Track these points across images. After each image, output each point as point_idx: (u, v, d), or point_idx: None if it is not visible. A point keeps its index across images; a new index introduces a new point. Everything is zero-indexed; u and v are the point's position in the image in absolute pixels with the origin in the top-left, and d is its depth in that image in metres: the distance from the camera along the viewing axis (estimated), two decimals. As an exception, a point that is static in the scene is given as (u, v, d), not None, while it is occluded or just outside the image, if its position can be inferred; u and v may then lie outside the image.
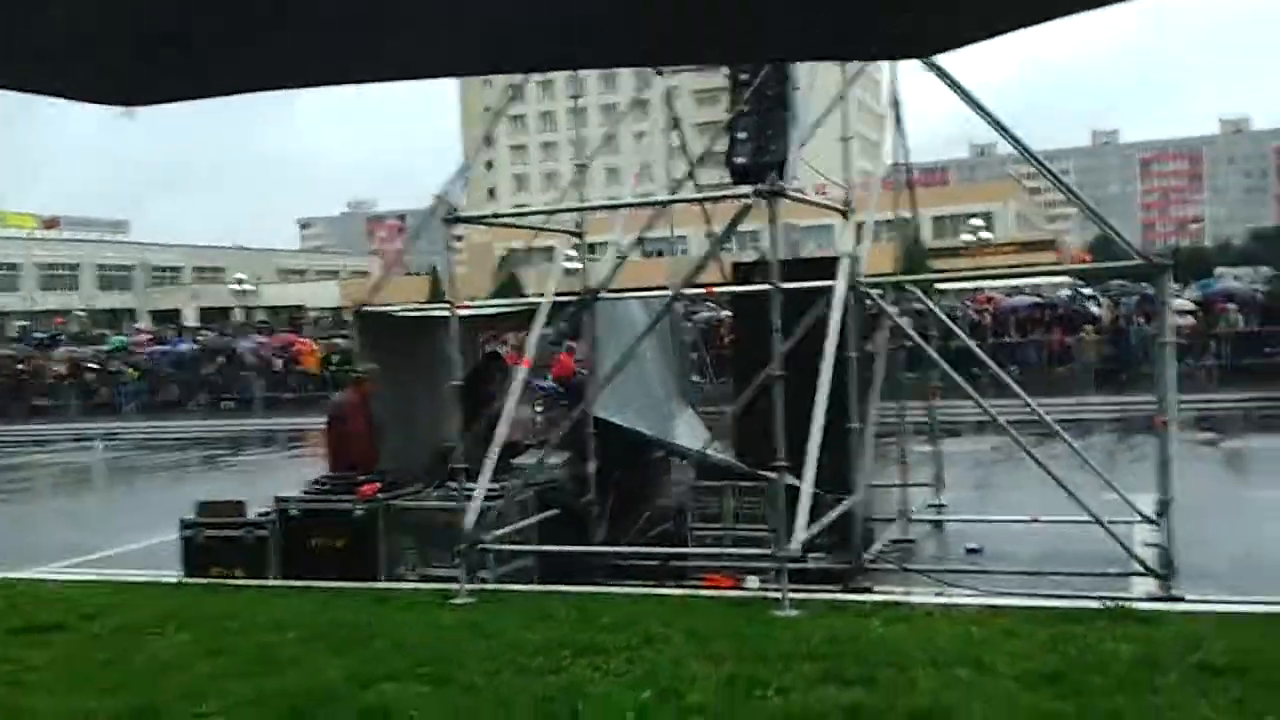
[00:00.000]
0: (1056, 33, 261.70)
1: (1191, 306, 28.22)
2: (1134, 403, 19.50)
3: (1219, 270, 57.60)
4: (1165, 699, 5.23)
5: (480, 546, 8.51)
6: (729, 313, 17.39)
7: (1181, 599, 7.62)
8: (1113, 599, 7.34)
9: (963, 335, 11.45)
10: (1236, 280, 42.44)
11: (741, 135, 8.76)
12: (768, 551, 7.99)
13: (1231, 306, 28.66)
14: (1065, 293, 34.62)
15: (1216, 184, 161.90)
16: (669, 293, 9.68)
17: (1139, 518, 9.10)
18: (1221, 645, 5.96)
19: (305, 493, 9.51)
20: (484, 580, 8.56)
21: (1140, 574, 8.22)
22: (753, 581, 8.39)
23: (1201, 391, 22.87)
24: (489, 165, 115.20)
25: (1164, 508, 8.37)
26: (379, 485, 9.14)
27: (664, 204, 10.20)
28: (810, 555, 8.52)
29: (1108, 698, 5.29)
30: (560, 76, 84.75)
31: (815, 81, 8.74)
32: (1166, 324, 9.07)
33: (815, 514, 8.10)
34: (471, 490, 8.53)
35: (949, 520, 10.92)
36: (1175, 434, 8.64)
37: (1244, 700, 5.18)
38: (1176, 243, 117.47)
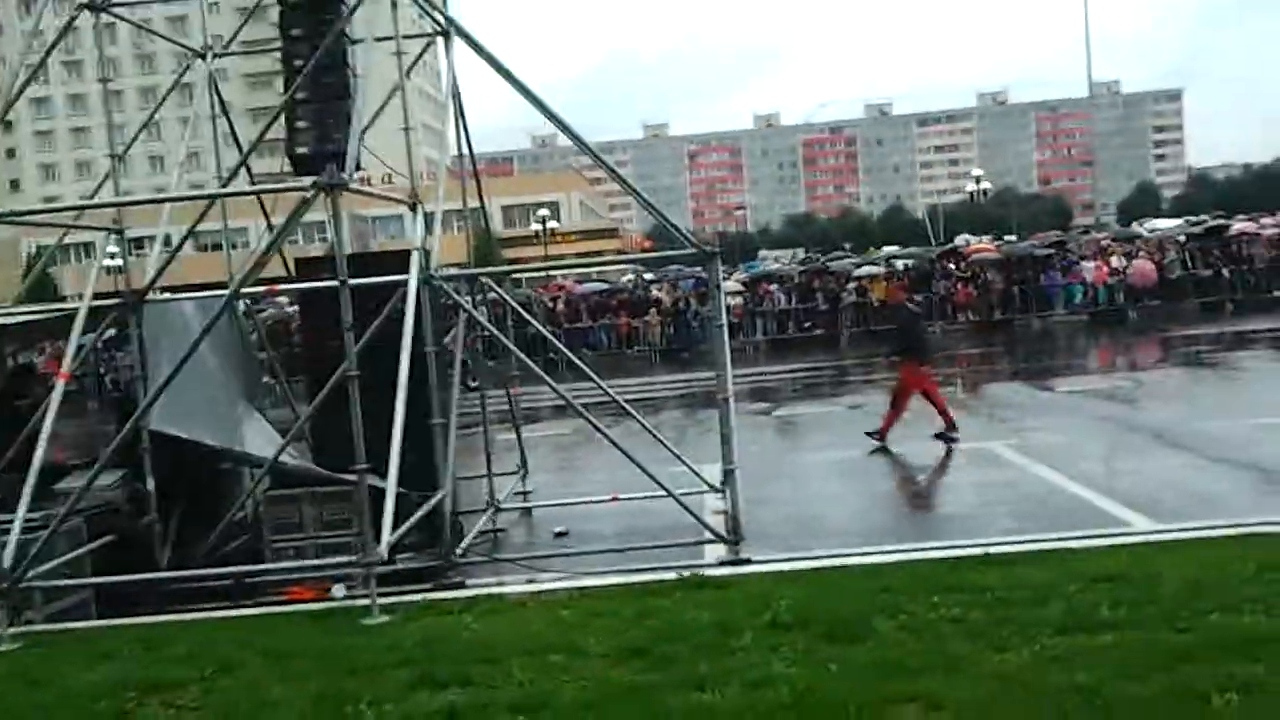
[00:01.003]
0: (621, 33, 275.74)
1: (739, 288, 30.68)
2: (697, 379, 20.88)
3: (761, 253, 63.33)
4: (742, 660, 5.53)
5: (21, 585, 7.53)
6: (296, 308, 16.63)
7: (749, 561, 8.17)
8: (689, 568, 7.73)
9: (536, 323, 11.64)
10: (777, 262, 46.86)
11: (302, 124, 8.32)
12: (353, 558, 7.66)
13: (774, 287, 31.46)
14: (629, 278, 36.55)
15: (754, 174, 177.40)
16: (226, 292, 9.01)
17: (707, 488, 9.66)
18: (787, 602, 6.41)
19: None
20: (30, 622, 7.59)
21: (712, 541, 8.74)
22: (339, 590, 8.02)
23: (752, 365, 24.89)
24: (10, 154, 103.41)
25: (728, 476, 8.98)
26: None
27: (215, 197, 9.51)
28: (399, 556, 8.30)
29: (691, 665, 5.51)
30: (89, 55, 77.31)
31: (372, 68, 8.44)
32: (720, 305, 9.75)
33: (402, 513, 7.89)
34: (7, 523, 7.52)
35: (536, 506, 11.06)
36: (733, 406, 9.25)
37: (811, 651, 5.59)
38: (723, 228, 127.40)
